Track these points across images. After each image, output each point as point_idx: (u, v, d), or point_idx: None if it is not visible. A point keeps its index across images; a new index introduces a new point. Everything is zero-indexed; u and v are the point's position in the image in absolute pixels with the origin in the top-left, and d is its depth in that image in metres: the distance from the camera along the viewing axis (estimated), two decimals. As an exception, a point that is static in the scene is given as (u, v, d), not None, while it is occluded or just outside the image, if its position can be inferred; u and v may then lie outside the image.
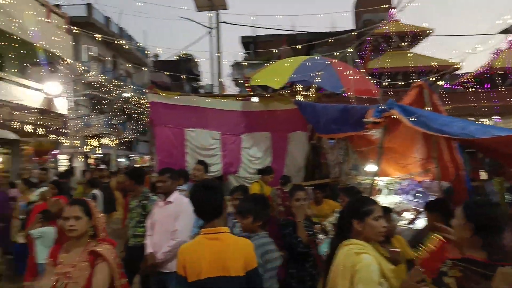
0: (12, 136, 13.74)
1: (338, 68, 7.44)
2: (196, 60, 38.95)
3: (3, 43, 13.49)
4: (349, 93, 7.04)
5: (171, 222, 3.66)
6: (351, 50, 10.06)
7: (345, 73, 7.37)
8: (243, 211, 2.97)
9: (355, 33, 14.75)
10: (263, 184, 6.20)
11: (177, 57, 28.75)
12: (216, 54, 13.77)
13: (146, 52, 31.17)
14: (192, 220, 3.71)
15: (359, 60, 18.21)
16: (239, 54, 37.54)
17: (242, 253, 2.28)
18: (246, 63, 23.10)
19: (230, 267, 2.20)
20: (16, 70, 16.45)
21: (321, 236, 4.10)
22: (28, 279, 3.75)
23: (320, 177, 7.13)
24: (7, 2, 13.19)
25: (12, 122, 13.61)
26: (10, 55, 14.97)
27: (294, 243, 3.41)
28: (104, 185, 8.27)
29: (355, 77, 7.41)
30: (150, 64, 32.09)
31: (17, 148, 15.18)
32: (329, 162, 7.13)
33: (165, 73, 22.65)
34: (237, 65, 30.21)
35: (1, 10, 13.10)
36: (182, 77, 24.04)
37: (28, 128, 14.18)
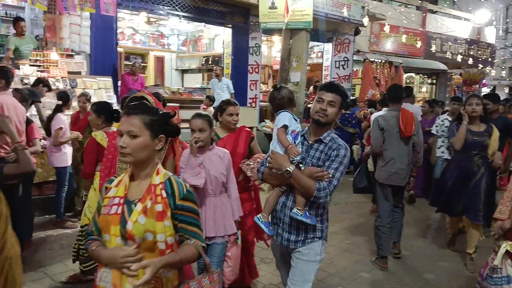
0: (441, 66, 14.44)
1: None
2: None
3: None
4: None
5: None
6: None
7: None
8: None
9: None
10: None
11: None
12: None
13: None
14: None
15: None
16: None
17: None
18: None
19: None
20: (448, 2, 16.86)
21: None
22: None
23: None
24: None
25: (443, 54, 14.28)
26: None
27: None
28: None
29: None
30: None
31: (443, 78, 15.86)
32: None
33: None
34: None
35: None
36: None
37: (458, 58, 14.44)
